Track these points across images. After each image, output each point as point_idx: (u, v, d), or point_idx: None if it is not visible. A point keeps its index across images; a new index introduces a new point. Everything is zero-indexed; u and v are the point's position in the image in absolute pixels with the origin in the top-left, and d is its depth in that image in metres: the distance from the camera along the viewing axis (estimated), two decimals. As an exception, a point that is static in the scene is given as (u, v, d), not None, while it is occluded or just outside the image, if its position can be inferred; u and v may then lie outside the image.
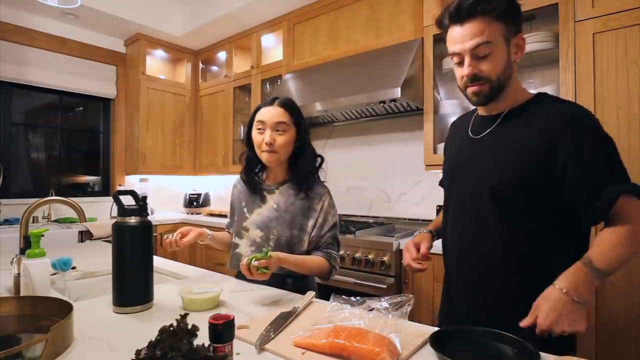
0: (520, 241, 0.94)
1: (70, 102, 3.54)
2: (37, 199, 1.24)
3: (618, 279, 1.52)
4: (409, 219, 2.59)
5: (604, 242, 0.86)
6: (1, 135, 3.08)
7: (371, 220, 2.70)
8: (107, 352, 0.77)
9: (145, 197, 1.07)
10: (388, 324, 0.80)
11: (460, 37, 0.93)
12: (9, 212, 2.94)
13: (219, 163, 3.65)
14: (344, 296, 0.94)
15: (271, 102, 1.32)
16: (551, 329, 0.81)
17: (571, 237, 0.93)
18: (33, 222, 2.93)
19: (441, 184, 1.26)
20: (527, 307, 0.87)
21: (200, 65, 3.96)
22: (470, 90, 0.97)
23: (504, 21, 0.91)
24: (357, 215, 2.87)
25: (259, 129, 1.30)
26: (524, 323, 0.84)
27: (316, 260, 1.27)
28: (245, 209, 1.40)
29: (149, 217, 1.09)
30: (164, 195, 3.98)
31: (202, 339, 0.64)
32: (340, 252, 2.12)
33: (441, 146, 2.27)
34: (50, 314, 0.86)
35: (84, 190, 3.62)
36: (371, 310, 0.87)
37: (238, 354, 0.76)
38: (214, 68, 4.15)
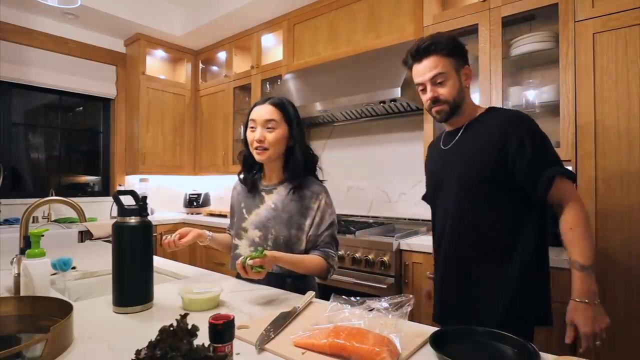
0: (492, 225, 1.15)
1: (70, 102, 3.54)
2: (37, 199, 1.24)
3: (618, 279, 1.52)
4: (409, 219, 2.59)
5: (574, 241, 1.07)
6: (1, 135, 3.08)
7: (371, 220, 2.70)
8: (107, 352, 0.77)
9: (145, 197, 1.07)
10: (388, 324, 0.80)
11: (421, 71, 1.22)
12: (9, 212, 2.94)
13: (219, 163, 3.65)
14: (344, 296, 0.94)
15: (263, 102, 1.34)
16: (594, 331, 1.00)
17: (534, 210, 1.14)
18: (33, 222, 2.93)
19: (424, 198, 1.45)
20: (501, 296, 1.11)
21: (200, 65, 3.96)
22: (434, 110, 1.24)
23: (452, 57, 1.20)
24: (357, 215, 2.87)
25: (251, 127, 1.32)
26: (569, 339, 1.07)
27: (313, 259, 1.27)
28: (244, 210, 1.40)
29: (149, 217, 1.09)
30: (164, 195, 3.98)
31: (202, 339, 0.64)
32: (340, 252, 2.13)
33: (441, 146, 2.27)
34: (50, 314, 0.86)
35: (84, 190, 3.62)
36: (371, 310, 0.87)
37: (238, 354, 0.76)
38: (214, 68, 4.15)
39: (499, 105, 1.98)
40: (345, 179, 2.97)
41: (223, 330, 0.66)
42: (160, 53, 3.81)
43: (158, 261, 1.61)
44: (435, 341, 0.77)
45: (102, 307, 1.05)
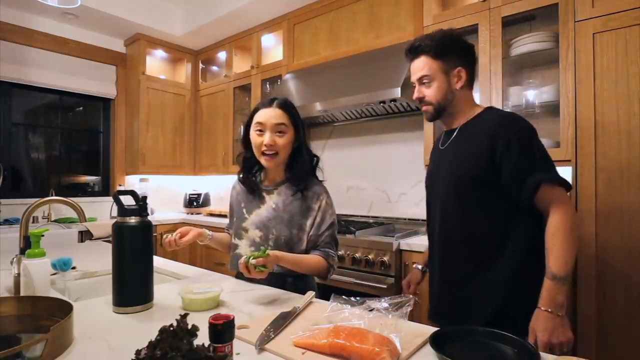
0: (481, 226, 1.14)
1: (70, 102, 3.54)
2: (37, 199, 1.24)
3: (618, 280, 1.52)
4: (409, 219, 2.59)
5: (552, 248, 1.03)
6: (1, 135, 3.08)
7: (371, 220, 2.70)
8: (107, 352, 0.77)
9: (145, 197, 1.07)
10: (388, 324, 0.80)
11: (412, 70, 1.25)
12: (9, 212, 2.94)
13: (219, 163, 3.65)
14: (344, 296, 0.94)
15: (269, 103, 1.31)
16: (550, 341, 0.96)
17: (526, 213, 1.10)
18: (33, 222, 2.93)
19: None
20: (489, 297, 1.10)
21: (200, 65, 3.96)
22: (421, 109, 1.27)
23: (441, 59, 1.19)
24: (357, 215, 2.87)
25: (259, 130, 1.29)
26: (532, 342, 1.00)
27: (314, 259, 1.28)
28: (244, 210, 1.40)
29: (149, 217, 1.09)
30: (164, 195, 3.98)
31: (202, 339, 0.64)
32: (340, 252, 2.13)
33: (441, 146, 2.27)
34: (50, 314, 0.86)
35: (84, 190, 3.62)
36: (371, 310, 0.87)
37: (238, 354, 0.76)
38: (214, 68, 4.15)
39: (499, 105, 1.98)
40: (345, 179, 2.97)
41: (223, 330, 0.66)
42: (160, 53, 3.81)
43: (158, 261, 1.61)
44: (435, 341, 0.77)
45: (102, 307, 1.05)
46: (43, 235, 1.09)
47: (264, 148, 1.27)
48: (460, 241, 1.16)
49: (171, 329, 0.60)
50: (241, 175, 1.43)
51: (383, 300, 0.88)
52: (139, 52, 3.55)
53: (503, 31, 2.01)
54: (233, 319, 0.68)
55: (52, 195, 2.87)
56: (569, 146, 1.74)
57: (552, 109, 2.00)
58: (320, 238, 1.32)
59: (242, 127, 3.49)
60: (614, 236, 1.54)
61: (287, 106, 1.31)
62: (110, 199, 3.30)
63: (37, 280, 1.03)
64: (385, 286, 1.97)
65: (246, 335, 0.84)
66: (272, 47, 3.41)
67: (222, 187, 3.99)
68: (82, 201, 3.05)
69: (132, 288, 1.03)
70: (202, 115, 3.88)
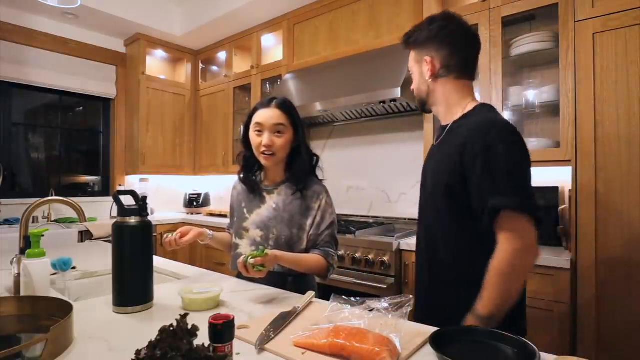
0: (454, 233, 1.04)
1: (70, 102, 3.54)
2: (37, 199, 1.24)
3: (618, 280, 1.52)
4: (409, 219, 2.59)
5: (485, 285, 0.93)
6: (1, 135, 3.08)
7: (371, 220, 2.70)
8: (107, 352, 0.77)
9: (145, 197, 1.07)
10: (388, 324, 0.80)
11: None
12: (9, 212, 2.94)
13: (219, 163, 3.65)
14: (344, 296, 0.94)
15: (268, 104, 1.31)
16: None
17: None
18: (33, 222, 2.93)
19: None
20: (464, 301, 0.97)
21: (200, 65, 3.96)
22: None
23: (413, 48, 1.16)
24: (357, 215, 2.87)
25: (257, 130, 1.30)
26: None
27: (314, 258, 1.28)
28: (245, 210, 1.40)
29: (149, 217, 1.09)
30: (164, 195, 3.98)
31: (202, 339, 0.64)
32: (340, 252, 2.13)
33: (441, 146, 2.27)
34: (50, 314, 0.86)
35: (84, 190, 3.62)
36: (371, 310, 0.87)
37: (238, 354, 0.76)
38: (214, 68, 4.15)
39: (499, 105, 1.98)
40: (345, 179, 2.97)
41: (223, 330, 0.66)
42: (160, 53, 3.81)
43: (158, 261, 1.61)
44: (435, 341, 0.77)
45: (102, 307, 1.05)
46: (43, 235, 1.09)
47: (262, 148, 1.28)
48: (439, 247, 1.07)
49: (171, 329, 0.60)
50: (242, 175, 1.43)
51: (383, 300, 0.87)
52: (139, 52, 3.55)
53: (503, 31, 2.01)
54: (233, 319, 0.68)
55: (52, 195, 2.87)
56: (569, 146, 1.74)
57: (552, 109, 2.00)
58: (320, 237, 1.32)
59: (242, 127, 3.52)
60: (614, 236, 1.54)
61: (285, 106, 1.32)
62: (110, 199, 3.30)
63: (37, 280, 1.03)
64: (385, 286, 1.97)
65: (246, 335, 0.84)
66: (272, 47, 3.41)
67: (222, 187, 3.99)
68: (82, 201, 3.05)
69: (132, 288, 1.03)
70: (202, 115, 3.88)
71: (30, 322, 0.87)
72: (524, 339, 0.77)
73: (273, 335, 0.84)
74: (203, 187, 4.03)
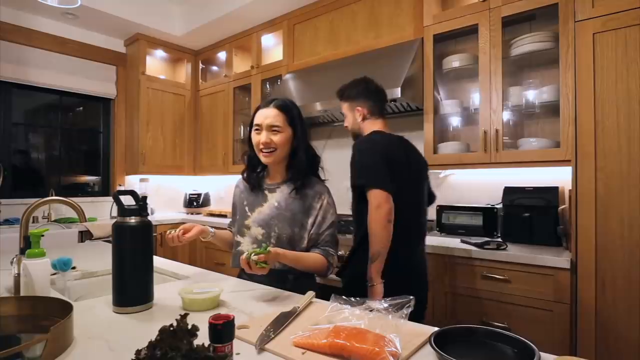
0: (357, 210, 1.56)
1: (70, 102, 3.54)
2: (37, 199, 1.24)
3: (618, 279, 1.52)
4: (409, 219, 2.59)
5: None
6: (1, 135, 3.08)
7: (371, 220, 2.69)
8: (107, 352, 0.77)
9: (145, 197, 1.07)
10: (388, 325, 0.80)
11: None
12: (9, 212, 2.94)
13: (219, 163, 3.65)
14: (344, 296, 0.94)
15: (268, 104, 1.35)
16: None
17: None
18: (33, 222, 2.93)
19: None
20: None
21: (200, 65, 3.96)
22: None
23: (346, 101, 1.72)
24: (357, 215, 2.87)
25: (257, 130, 1.34)
26: None
27: (314, 257, 1.30)
28: (247, 208, 1.42)
29: (149, 217, 1.09)
30: (164, 195, 3.98)
31: (202, 339, 0.64)
32: (341, 252, 2.13)
33: (441, 146, 2.27)
34: (50, 314, 0.86)
35: (84, 190, 3.62)
36: (371, 310, 0.87)
37: (238, 354, 0.76)
38: (214, 68, 4.15)
39: (499, 105, 1.99)
40: (345, 179, 2.95)
41: (223, 330, 0.66)
42: (160, 53, 3.81)
43: (158, 261, 1.61)
44: (435, 341, 0.77)
45: (102, 307, 1.05)
46: (43, 235, 1.09)
47: (261, 146, 1.32)
48: (354, 216, 1.62)
49: (171, 329, 0.60)
50: (245, 174, 1.45)
51: (383, 300, 0.88)
52: (139, 52, 3.55)
53: (503, 31, 2.01)
54: (233, 319, 0.68)
55: (52, 195, 2.87)
56: (569, 146, 1.74)
57: (552, 109, 2.00)
58: (321, 237, 1.34)
59: (242, 127, 3.52)
60: (614, 236, 1.54)
61: (284, 106, 1.34)
62: (110, 199, 3.30)
63: (37, 280, 1.03)
64: (385, 286, 1.96)
65: (246, 335, 0.84)
66: (272, 47, 3.41)
67: (222, 187, 3.99)
68: (82, 201, 3.06)
69: (132, 288, 1.03)
70: (202, 115, 3.88)
71: (30, 322, 0.87)
72: (523, 339, 0.77)
73: (273, 335, 0.84)
74: (203, 187, 4.03)
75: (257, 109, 1.37)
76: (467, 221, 2.18)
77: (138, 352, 0.58)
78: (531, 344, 0.74)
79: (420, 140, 2.44)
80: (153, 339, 0.58)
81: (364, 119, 1.66)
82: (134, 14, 3.29)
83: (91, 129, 3.70)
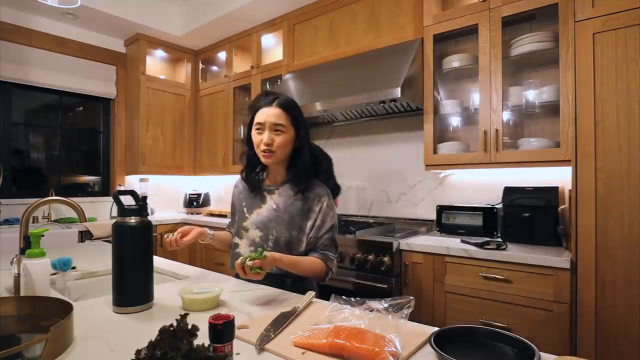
0: None
1: (70, 102, 3.54)
2: (37, 199, 1.24)
3: (618, 279, 1.52)
4: (409, 219, 2.59)
5: None
6: (1, 135, 3.08)
7: (371, 220, 2.70)
8: (107, 352, 0.77)
9: (145, 197, 1.07)
10: (388, 325, 0.80)
11: None
12: (9, 212, 2.94)
13: (219, 163, 3.65)
14: (344, 297, 0.94)
15: (270, 102, 1.29)
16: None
17: None
18: (33, 222, 2.93)
19: None
20: None
21: (200, 65, 3.96)
22: None
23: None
24: (357, 215, 2.87)
25: (258, 129, 1.29)
26: None
27: (312, 261, 1.27)
28: (245, 209, 1.40)
29: (149, 217, 1.09)
30: (164, 195, 3.98)
31: (202, 339, 0.64)
32: (340, 252, 2.13)
33: (441, 146, 2.27)
34: (50, 314, 0.86)
35: (84, 190, 3.62)
36: (371, 311, 0.87)
37: (238, 354, 0.76)
38: (214, 68, 4.15)
39: (499, 105, 1.99)
40: (345, 179, 2.97)
41: (223, 330, 0.66)
42: (160, 53, 3.81)
43: (158, 261, 1.61)
44: (435, 341, 0.77)
45: (102, 307, 1.05)
46: (43, 235, 1.09)
47: (262, 147, 1.27)
48: None
49: (171, 329, 0.60)
50: (244, 174, 1.42)
51: (383, 300, 0.88)
52: (139, 52, 3.55)
53: (503, 31, 2.01)
54: (233, 319, 0.68)
55: (52, 195, 2.87)
56: (569, 146, 1.74)
57: (552, 109, 2.00)
58: (320, 240, 1.31)
59: (242, 127, 3.52)
60: (614, 236, 1.54)
61: (287, 106, 1.30)
62: (110, 199, 3.30)
63: (37, 280, 1.03)
64: (385, 286, 1.97)
65: (246, 335, 0.84)
66: (272, 47, 3.41)
67: (222, 187, 3.99)
68: (82, 201, 3.06)
69: (132, 288, 1.03)
70: (202, 115, 3.88)
71: (30, 322, 0.87)
72: (524, 339, 0.77)
73: (273, 335, 0.84)
74: (203, 187, 4.03)
75: (257, 106, 1.31)
76: (467, 221, 2.18)
77: (138, 352, 0.58)
78: (531, 344, 0.74)
79: (420, 140, 2.44)
80: (153, 339, 0.58)
81: None
82: (133, 14, 3.29)
83: (91, 129, 3.70)
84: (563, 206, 1.90)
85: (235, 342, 0.70)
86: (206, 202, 3.83)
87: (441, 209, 2.28)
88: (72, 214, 3.13)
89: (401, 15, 2.42)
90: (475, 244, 1.85)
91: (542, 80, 2.08)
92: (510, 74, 2.12)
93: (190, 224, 3.26)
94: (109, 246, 1.08)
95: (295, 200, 1.32)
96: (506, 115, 2.10)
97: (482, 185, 2.34)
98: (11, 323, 0.87)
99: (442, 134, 2.41)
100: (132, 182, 3.75)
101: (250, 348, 0.80)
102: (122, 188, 3.66)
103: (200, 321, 0.68)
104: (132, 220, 1.03)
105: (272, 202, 1.35)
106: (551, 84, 1.96)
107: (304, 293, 1.13)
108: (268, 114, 1.27)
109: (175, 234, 1.29)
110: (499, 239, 1.99)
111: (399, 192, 2.70)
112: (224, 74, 3.70)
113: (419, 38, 2.30)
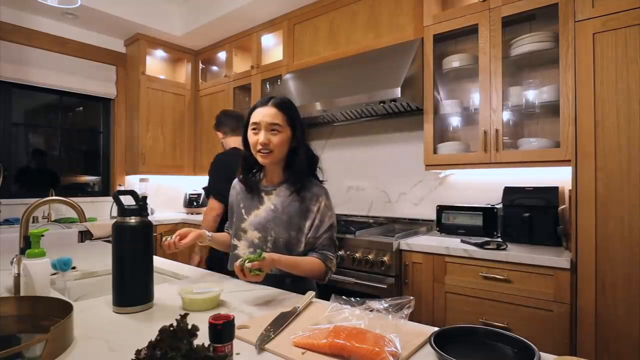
0: None
1: (70, 102, 3.54)
2: (37, 199, 1.23)
3: (618, 279, 1.52)
4: (409, 219, 2.59)
5: None
6: (1, 135, 3.08)
7: (371, 220, 2.70)
8: (107, 352, 0.77)
9: (145, 197, 1.07)
10: (388, 325, 0.80)
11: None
12: (9, 212, 2.94)
13: (219, 163, 3.64)
14: (344, 296, 0.94)
15: (266, 102, 1.30)
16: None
17: None
18: (33, 222, 2.93)
19: None
20: None
21: (200, 65, 3.95)
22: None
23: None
24: (357, 215, 2.87)
25: (254, 129, 1.29)
26: None
27: (311, 261, 1.27)
28: (243, 211, 1.39)
29: (149, 217, 1.09)
30: (164, 195, 3.98)
31: (202, 339, 0.64)
32: (340, 252, 2.13)
33: (441, 146, 2.27)
34: (50, 314, 0.86)
35: (84, 190, 3.62)
36: (371, 311, 0.87)
37: (238, 354, 0.76)
38: (214, 68, 4.15)
39: (499, 105, 1.99)
40: (345, 179, 2.97)
41: (223, 330, 0.66)
42: (160, 53, 3.81)
43: (158, 261, 1.61)
44: (435, 341, 0.77)
45: (102, 307, 1.05)
46: (43, 235, 1.09)
47: (259, 147, 1.27)
48: None
49: (171, 329, 0.60)
50: (241, 175, 1.42)
51: (383, 300, 0.88)
52: (139, 52, 3.55)
53: (503, 31, 2.01)
54: (233, 319, 0.68)
55: (52, 195, 2.87)
56: (569, 146, 1.74)
57: (552, 109, 2.00)
58: (319, 240, 1.31)
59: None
60: (614, 236, 1.54)
61: (283, 105, 1.30)
62: (110, 199, 3.30)
63: (37, 280, 1.03)
64: (385, 286, 1.97)
65: (246, 335, 0.84)
66: (272, 47, 3.41)
67: (222, 187, 3.99)
68: (82, 201, 3.06)
69: (132, 288, 1.03)
70: (202, 115, 3.88)
71: (30, 322, 0.87)
72: (524, 339, 0.77)
73: (273, 335, 0.84)
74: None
75: (254, 107, 1.32)
76: (467, 221, 2.18)
77: (138, 352, 0.58)
78: (531, 344, 0.74)
79: (420, 140, 2.44)
80: (153, 339, 0.59)
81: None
82: (133, 14, 3.29)
83: (91, 129, 3.70)
84: (563, 206, 1.90)
85: (235, 342, 0.70)
86: (206, 202, 3.83)
87: (441, 209, 2.28)
88: (72, 214, 3.13)
89: (401, 15, 2.42)
90: (475, 244, 1.85)
91: (542, 80, 2.08)
92: (510, 74, 2.12)
93: (190, 224, 3.27)
94: (109, 246, 1.08)
95: (292, 201, 1.31)
96: (506, 115, 2.10)
97: (482, 185, 2.34)
98: (11, 323, 0.87)
99: (442, 134, 2.41)
100: (132, 182, 3.75)
101: (250, 348, 0.80)
102: (122, 188, 3.66)
103: (200, 321, 0.68)
104: (132, 220, 1.03)
105: (270, 203, 1.34)
106: (551, 84, 1.96)
107: (303, 293, 1.13)
108: (264, 113, 1.27)
109: (174, 236, 1.29)
110: (499, 239, 1.99)
111: (399, 192, 2.70)
112: (224, 74, 3.70)
113: (419, 38, 2.30)
